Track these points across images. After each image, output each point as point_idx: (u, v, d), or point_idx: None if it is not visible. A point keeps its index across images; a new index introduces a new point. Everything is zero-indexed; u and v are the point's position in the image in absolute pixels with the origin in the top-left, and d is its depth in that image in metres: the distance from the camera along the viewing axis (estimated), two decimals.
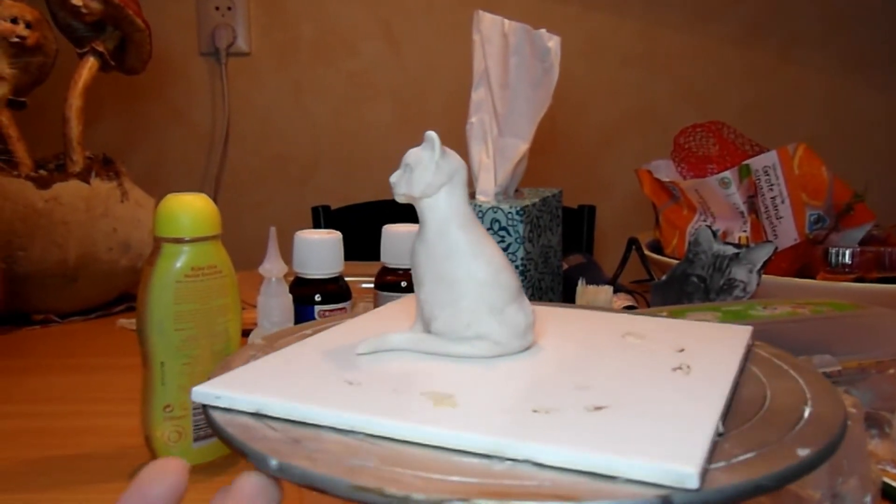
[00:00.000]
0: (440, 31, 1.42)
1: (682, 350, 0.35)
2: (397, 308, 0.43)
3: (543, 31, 0.69)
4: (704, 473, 0.23)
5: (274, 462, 0.24)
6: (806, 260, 0.77)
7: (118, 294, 0.87)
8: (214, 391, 0.29)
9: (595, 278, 0.74)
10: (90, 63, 0.85)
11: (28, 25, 0.82)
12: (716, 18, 1.42)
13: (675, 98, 1.44)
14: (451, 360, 0.34)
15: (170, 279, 0.44)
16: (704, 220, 0.83)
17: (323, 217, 1.26)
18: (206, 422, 0.29)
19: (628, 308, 0.70)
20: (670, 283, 0.68)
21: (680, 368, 0.32)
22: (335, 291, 0.57)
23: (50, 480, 0.45)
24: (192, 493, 0.43)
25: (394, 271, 0.60)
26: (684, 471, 0.22)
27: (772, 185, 0.80)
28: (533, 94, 0.69)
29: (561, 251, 0.78)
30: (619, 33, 1.42)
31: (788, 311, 0.55)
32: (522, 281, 0.61)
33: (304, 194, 1.45)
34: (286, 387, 0.30)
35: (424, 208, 0.35)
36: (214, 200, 0.46)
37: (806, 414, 0.28)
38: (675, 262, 0.71)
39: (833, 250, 0.75)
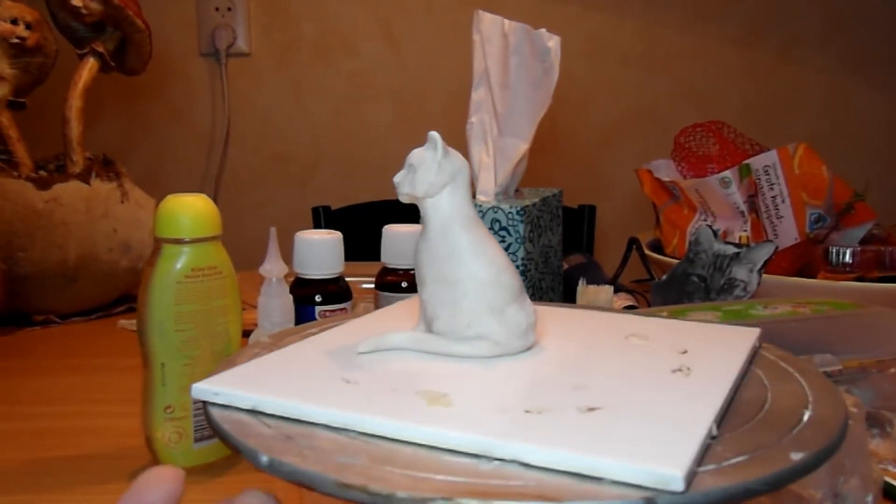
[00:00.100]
0: (440, 31, 1.42)
1: (684, 352, 0.35)
2: (403, 308, 0.43)
3: (543, 30, 0.69)
4: (692, 476, 0.23)
5: (264, 458, 0.25)
6: (806, 259, 0.77)
7: (119, 295, 0.87)
8: (213, 388, 0.30)
9: (595, 278, 0.74)
10: (90, 64, 0.85)
11: (28, 26, 0.82)
12: (716, 18, 1.42)
13: (675, 98, 1.44)
14: (452, 360, 0.34)
15: (170, 280, 0.44)
16: (705, 220, 0.83)
17: (323, 217, 1.26)
18: (205, 418, 0.30)
19: (629, 308, 0.70)
20: (671, 282, 0.68)
21: (680, 370, 0.32)
22: (336, 292, 0.57)
23: (51, 481, 0.45)
24: (193, 493, 0.43)
25: (394, 271, 0.60)
26: (669, 473, 0.22)
27: (772, 184, 0.80)
28: (533, 94, 0.69)
29: (561, 251, 0.78)
30: (620, 33, 1.42)
31: (789, 311, 0.55)
32: (523, 281, 0.61)
33: (304, 194, 1.45)
34: (283, 384, 0.30)
35: (427, 208, 0.35)
36: (215, 201, 0.46)
37: (805, 417, 0.28)
38: (676, 261, 0.71)
39: (833, 249, 0.75)
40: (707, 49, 1.42)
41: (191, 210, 0.44)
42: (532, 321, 0.35)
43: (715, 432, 0.26)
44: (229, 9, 1.41)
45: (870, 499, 0.37)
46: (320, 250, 0.57)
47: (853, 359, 0.52)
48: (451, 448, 0.25)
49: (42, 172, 0.82)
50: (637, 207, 1.36)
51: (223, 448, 0.44)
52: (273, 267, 0.50)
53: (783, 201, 0.79)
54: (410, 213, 0.69)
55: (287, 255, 0.53)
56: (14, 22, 0.80)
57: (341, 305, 0.57)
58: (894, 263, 0.73)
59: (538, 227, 0.68)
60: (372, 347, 0.35)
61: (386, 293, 0.60)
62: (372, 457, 0.25)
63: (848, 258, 0.74)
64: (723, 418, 0.28)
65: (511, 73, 0.70)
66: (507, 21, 0.71)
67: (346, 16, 1.43)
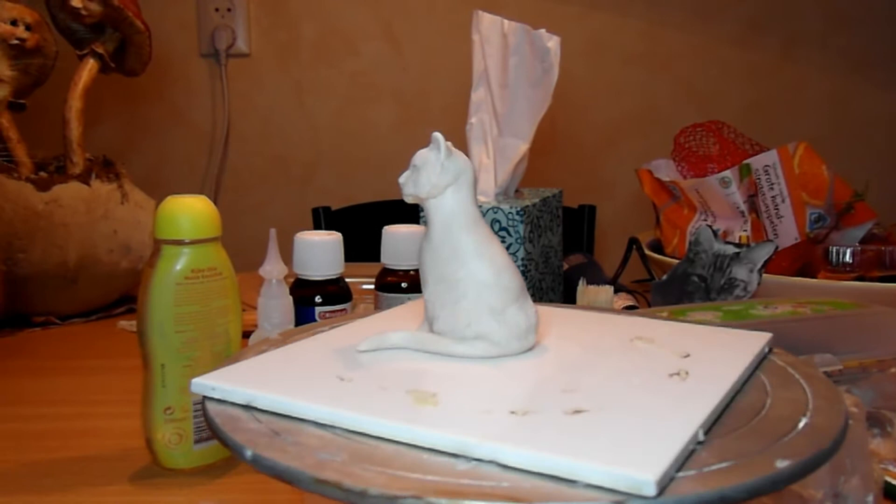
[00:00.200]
0: (441, 31, 1.42)
1: (686, 356, 0.35)
2: (412, 308, 0.43)
3: (543, 31, 0.69)
4: (668, 481, 0.23)
5: (248, 452, 0.26)
6: (807, 259, 0.77)
7: (119, 296, 0.87)
8: (211, 383, 0.31)
9: (596, 278, 0.74)
10: (90, 65, 0.85)
11: (28, 27, 0.82)
12: (717, 18, 1.42)
13: (676, 98, 1.44)
14: (450, 360, 0.34)
15: (170, 281, 0.44)
16: (705, 220, 0.83)
17: (323, 218, 1.26)
18: (202, 412, 0.31)
19: (629, 308, 0.70)
20: (671, 282, 0.68)
21: (678, 374, 0.32)
22: (336, 293, 0.57)
23: (51, 483, 0.45)
24: (194, 495, 0.43)
25: (394, 272, 0.60)
26: (641, 478, 0.22)
27: (772, 184, 0.80)
28: (532, 94, 0.69)
29: (561, 251, 0.78)
30: (621, 33, 1.42)
31: (789, 311, 0.55)
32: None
33: (304, 195, 1.45)
34: (279, 381, 0.31)
35: (430, 208, 0.35)
36: (215, 201, 0.46)
37: (800, 425, 0.27)
38: (676, 261, 0.71)
39: (834, 249, 0.75)
40: (708, 49, 1.42)
41: (190, 211, 0.44)
42: (533, 323, 0.35)
43: (702, 438, 0.26)
44: (229, 9, 1.41)
45: (870, 499, 0.37)
46: (320, 251, 0.57)
47: (854, 358, 0.52)
48: (430, 447, 0.26)
49: (42, 174, 0.82)
50: (637, 207, 1.36)
51: (223, 449, 0.44)
52: (273, 268, 0.50)
53: (783, 201, 0.79)
54: (410, 214, 0.69)
55: (287, 255, 0.53)
56: (14, 23, 0.81)
57: (341, 306, 0.57)
58: (894, 263, 0.73)
59: (538, 228, 0.68)
60: (372, 346, 0.35)
61: (386, 294, 0.60)
62: (352, 454, 0.25)
63: (848, 258, 0.74)
64: (714, 424, 0.28)
65: (511, 74, 0.70)
66: (506, 21, 0.71)
67: (347, 16, 1.43)
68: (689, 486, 0.23)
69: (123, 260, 0.83)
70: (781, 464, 0.24)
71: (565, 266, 0.82)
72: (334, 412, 0.28)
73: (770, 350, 0.37)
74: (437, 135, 0.35)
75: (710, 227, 0.67)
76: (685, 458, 0.24)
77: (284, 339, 0.38)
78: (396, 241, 0.60)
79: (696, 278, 0.66)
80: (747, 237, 0.79)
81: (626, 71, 1.43)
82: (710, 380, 0.31)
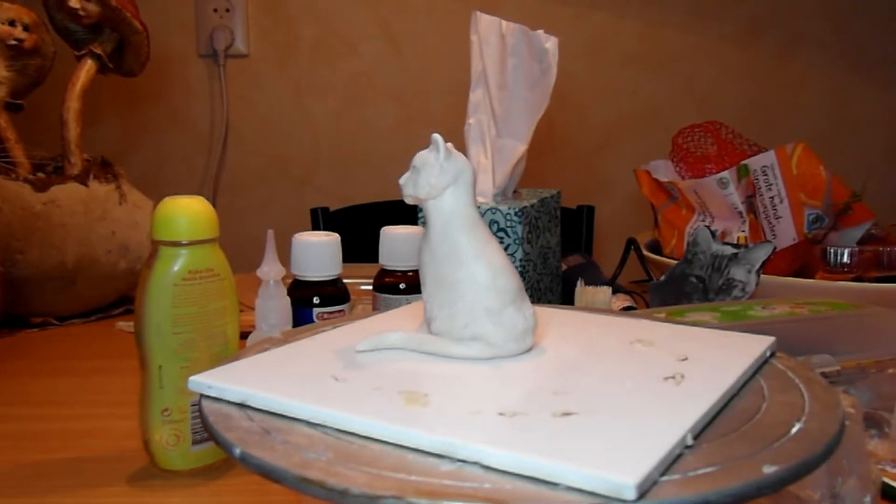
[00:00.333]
0: (441, 31, 1.42)
1: (684, 359, 0.34)
2: (416, 308, 0.43)
3: (541, 32, 0.69)
4: (650, 485, 0.23)
5: (238, 450, 0.26)
6: (805, 260, 0.77)
7: (117, 296, 0.87)
8: (207, 381, 0.31)
9: (594, 279, 0.74)
10: (88, 65, 0.85)
11: (25, 28, 0.81)
12: (715, 18, 1.42)
13: (674, 98, 1.44)
14: (447, 361, 0.34)
15: (167, 282, 0.43)
16: (703, 221, 0.83)
17: (322, 218, 1.25)
18: (198, 411, 0.31)
19: (627, 308, 0.70)
20: (669, 283, 0.68)
21: (672, 378, 0.32)
22: (334, 294, 0.57)
23: (48, 484, 0.45)
24: (191, 497, 0.43)
25: (392, 273, 0.60)
26: (621, 481, 0.22)
27: (770, 184, 0.80)
28: (530, 95, 0.69)
29: (560, 252, 0.78)
30: (619, 33, 1.42)
31: (787, 311, 0.55)
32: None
33: (303, 195, 1.45)
34: (274, 380, 0.31)
35: (430, 209, 0.36)
36: (213, 202, 0.46)
37: (793, 430, 0.27)
38: (674, 262, 0.71)
39: (832, 250, 0.75)
40: (707, 48, 1.42)
41: (188, 212, 0.44)
42: (530, 324, 0.35)
43: (690, 442, 0.26)
44: (228, 10, 1.41)
45: (868, 499, 0.37)
46: (318, 252, 0.57)
47: (851, 359, 0.52)
48: (416, 447, 0.26)
49: (40, 174, 0.82)
50: (636, 208, 1.36)
51: (221, 450, 0.44)
52: (270, 269, 0.50)
53: (781, 202, 0.79)
54: (409, 214, 0.69)
55: (286, 256, 0.53)
56: (11, 24, 0.80)
57: (339, 307, 0.57)
58: (892, 263, 0.73)
59: (536, 229, 0.68)
60: (370, 346, 0.36)
61: (384, 295, 0.60)
62: (339, 453, 0.26)
63: (846, 258, 0.74)
64: (705, 428, 0.27)
65: (509, 75, 0.70)
66: (504, 22, 0.71)
67: (346, 16, 1.43)
68: (671, 491, 0.23)
69: (121, 261, 0.83)
70: (768, 469, 0.24)
71: (564, 267, 0.82)
72: (323, 411, 0.28)
73: (772, 354, 0.37)
74: (437, 136, 0.35)
75: (708, 227, 0.68)
76: (671, 463, 0.24)
77: (286, 339, 0.38)
78: (394, 241, 0.60)
79: (694, 279, 0.66)
80: (745, 238, 0.79)
81: (624, 71, 1.43)
82: (705, 384, 0.31)
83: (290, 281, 0.57)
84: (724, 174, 0.79)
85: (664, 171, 0.90)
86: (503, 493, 0.23)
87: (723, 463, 0.24)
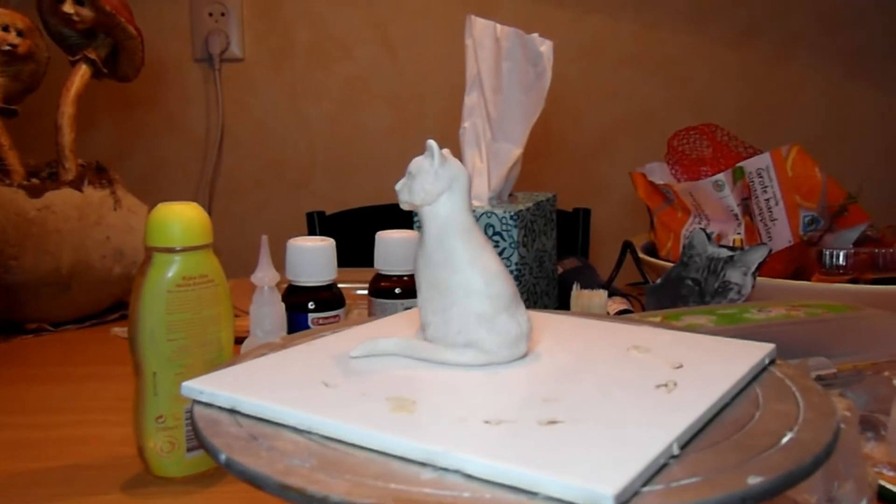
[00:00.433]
0: (436, 34, 1.42)
1: (679, 366, 0.34)
2: (415, 314, 0.43)
3: (536, 35, 0.69)
4: (630, 495, 0.23)
5: (223, 456, 0.26)
6: (800, 262, 0.77)
7: (112, 302, 0.87)
8: (199, 387, 0.31)
9: (590, 282, 0.74)
10: (82, 71, 0.84)
11: (19, 33, 0.81)
12: (711, 20, 1.42)
13: (670, 100, 1.44)
14: (440, 367, 0.34)
15: (161, 289, 0.43)
16: (699, 223, 0.83)
17: (318, 222, 1.25)
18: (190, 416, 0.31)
19: (623, 311, 0.70)
20: (665, 286, 0.68)
21: (665, 386, 0.31)
22: (329, 299, 0.57)
23: (43, 492, 0.44)
24: (186, 503, 0.43)
25: (387, 278, 0.60)
26: (600, 491, 0.22)
27: (765, 186, 0.80)
28: (525, 98, 0.69)
29: (556, 255, 0.78)
30: (615, 36, 1.42)
31: (783, 314, 0.55)
32: (517, 286, 0.60)
33: (299, 199, 1.45)
34: (265, 386, 0.31)
35: (425, 215, 0.36)
36: (209, 206, 0.46)
37: (784, 440, 0.27)
38: (670, 265, 0.71)
39: (827, 252, 0.75)
40: (702, 50, 1.43)
41: (182, 218, 0.44)
42: (524, 331, 0.35)
43: (676, 451, 0.25)
44: (223, 14, 1.41)
45: (864, 503, 0.37)
46: (313, 257, 0.56)
47: (848, 361, 0.52)
48: (399, 455, 0.26)
49: (34, 180, 0.82)
50: (632, 210, 1.36)
51: None
52: (265, 275, 0.50)
53: (776, 204, 0.79)
54: (405, 219, 0.69)
55: (281, 261, 0.53)
56: (5, 29, 0.80)
57: (334, 312, 0.57)
58: (888, 265, 0.73)
59: (532, 232, 0.68)
60: (364, 353, 0.36)
61: (379, 300, 0.60)
62: (323, 460, 0.26)
63: (842, 260, 0.74)
64: (694, 437, 0.27)
65: (504, 78, 0.70)
66: (499, 26, 0.71)
67: (341, 20, 1.43)
68: (652, 501, 0.22)
69: (116, 266, 0.83)
70: (753, 480, 0.23)
71: (560, 270, 0.82)
72: (309, 418, 0.28)
73: (772, 361, 0.37)
74: (431, 142, 0.35)
75: (703, 230, 0.68)
76: (655, 473, 0.24)
77: (285, 344, 0.38)
78: (389, 246, 0.60)
79: (690, 282, 0.66)
80: (741, 240, 0.79)
81: (620, 74, 1.43)
82: (697, 392, 0.30)
83: (285, 286, 0.56)
84: (720, 176, 0.79)
85: (660, 173, 0.90)
86: (482, 503, 0.23)
87: (708, 473, 0.24)
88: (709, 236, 0.67)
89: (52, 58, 0.86)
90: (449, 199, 0.35)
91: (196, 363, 0.44)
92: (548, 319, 0.42)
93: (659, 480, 0.24)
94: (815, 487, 0.37)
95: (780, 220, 0.79)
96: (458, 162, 0.36)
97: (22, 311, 0.80)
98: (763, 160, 0.80)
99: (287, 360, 0.35)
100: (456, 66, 0.77)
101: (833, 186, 0.81)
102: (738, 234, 0.79)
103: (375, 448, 0.26)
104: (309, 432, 0.28)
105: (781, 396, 0.32)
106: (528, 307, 0.37)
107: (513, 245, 0.64)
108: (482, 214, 0.65)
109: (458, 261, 0.35)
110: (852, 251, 0.75)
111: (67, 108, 0.83)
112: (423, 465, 0.25)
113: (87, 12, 0.82)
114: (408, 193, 0.36)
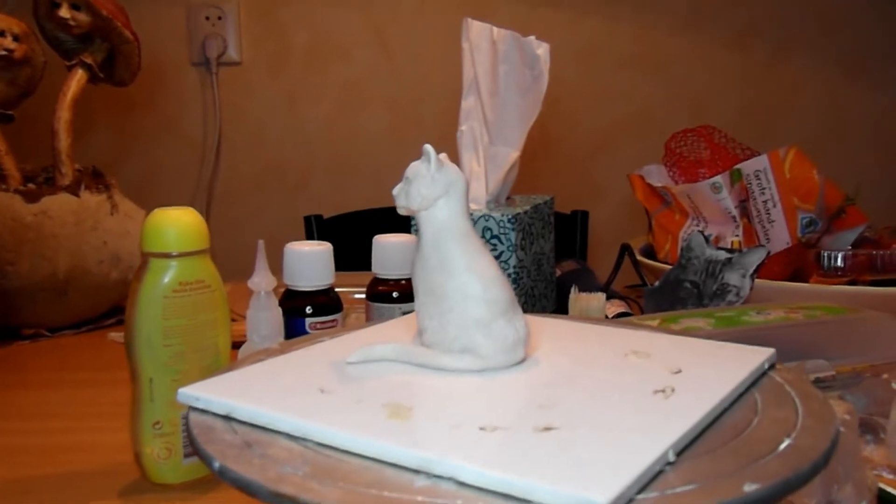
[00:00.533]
0: (434, 37, 1.42)
1: (678, 372, 0.34)
2: (414, 319, 0.43)
3: (532, 38, 0.69)
4: (626, 503, 0.22)
5: (216, 464, 0.26)
6: (798, 264, 0.77)
7: (109, 307, 0.86)
8: (195, 393, 0.31)
9: (589, 284, 0.74)
10: (79, 75, 0.84)
11: (16, 38, 0.81)
12: (709, 22, 1.42)
13: (668, 102, 1.44)
14: (437, 373, 0.34)
15: (157, 294, 0.43)
16: (697, 225, 0.83)
17: (315, 226, 1.25)
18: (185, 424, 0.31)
19: (622, 314, 0.70)
20: (663, 288, 0.68)
21: (662, 391, 0.31)
22: (326, 303, 0.57)
23: (39, 499, 0.44)
24: None
25: (385, 282, 0.60)
26: (594, 499, 0.22)
27: (763, 188, 0.80)
28: (522, 101, 0.69)
29: (554, 258, 0.78)
30: (612, 38, 1.42)
31: (782, 316, 0.54)
32: (515, 289, 0.60)
33: (297, 203, 1.45)
34: (261, 392, 0.31)
35: (422, 220, 0.36)
36: (207, 210, 0.46)
37: (782, 447, 0.26)
38: (668, 267, 0.71)
39: (825, 254, 0.75)
40: (700, 52, 1.43)
41: (178, 224, 0.44)
42: (521, 336, 0.35)
43: (672, 458, 0.25)
44: (220, 18, 1.41)
45: None
46: (310, 262, 0.56)
47: (846, 364, 0.52)
48: (393, 462, 0.26)
49: (31, 185, 0.81)
50: (630, 212, 1.36)
51: None
52: (261, 280, 0.49)
53: (774, 206, 0.79)
54: (403, 222, 0.69)
55: (279, 265, 0.53)
56: (1, 34, 0.80)
57: (332, 317, 0.57)
58: (886, 267, 0.73)
59: (530, 235, 0.68)
60: (361, 358, 0.35)
61: (377, 304, 0.60)
62: (317, 467, 0.26)
63: (840, 262, 0.74)
64: (691, 443, 0.27)
65: (500, 81, 0.70)
66: (496, 29, 0.70)
67: (339, 23, 1.43)
68: None
69: (113, 271, 0.83)
70: (749, 488, 0.23)
71: (558, 272, 0.82)
72: (303, 424, 0.28)
73: (772, 366, 0.36)
74: (428, 147, 0.35)
75: (701, 232, 0.67)
76: (650, 480, 0.24)
77: (282, 350, 0.38)
78: (387, 250, 0.60)
79: (688, 284, 0.66)
80: (739, 242, 0.79)
81: (617, 76, 1.43)
82: (695, 398, 0.30)
83: (282, 290, 0.56)
84: (718, 179, 0.79)
85: (658, 175, 0.90)
86: None
87: (704, 480, 0.24)
88: (707, 238, 0.67)
89: (48, 62, 0.85)
90: (446, 204, 0.35)
91: (192, 369, 0.44)
92: (546, 324, 0.42)
93: (654, 488, 0.23)
94: (814, 491, 0.37)
95: (778, 222, 0.79)
96: (455, 167, 0.36)
97: (18, 316, 0.79)
98: (761, 162, 0.80)
99: (284, 365, 0.35)
100: (453, 68, 0.77)
101: (831, 188, 0.81)
102: (737, 236, 0.79)
103: (370, 455, 0.26)
104: (304, 439, 0.28)
105: (780, 402, 0.31)
106: (526, 310, 0.37)
107: (511, 248, 0.64)
108: (480, 218, 0.65)
109: (455, 266, 0.34)
110: (850, 253, 0.75)
111: (64, 113, 0.83)
112: (416, 472, 0.25)
113: (83, 17, 0.82)
114: (405, 198, 0.36)
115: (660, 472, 0.24)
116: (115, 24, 0.83)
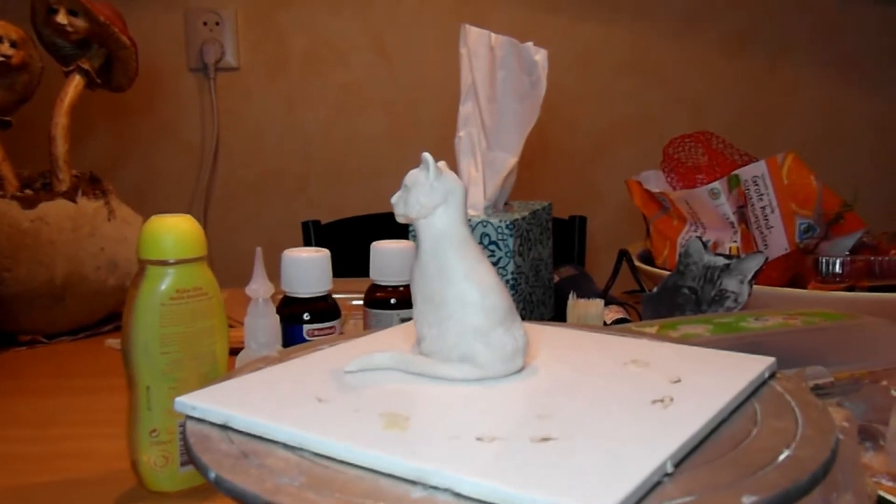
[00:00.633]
0: (432, 42, 1.42)
1: (677, 381, 0.34)
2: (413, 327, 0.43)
3: (530, 44, 0.69)
4: None
5: (213, 474, 0.26)
6: (797, 270, 0.77)
7: (106, 313, 0.86)
8: (192, 402, 0.31)
9: (587, 290, 0.74)
10: (76, 81, 0.84)
11: (13, 44, 0.81)
12: (706, 27, 1.42)
13: (666, 107, 1.44)
14: (436, 382, 0.34)
15: (154, 302, 0.43)
16: (695, 231, 0.83)
17: (313, 231, 1.25)
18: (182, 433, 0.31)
19: (620, 320, 0.70)
20: (662, 294, 0.68)
21: (661, 401, 0.31)
22: (324, 310, 0.57)
23: None
24: None
25: (383, 288, 0.60)
26: None
27: (761, 194, 0.80)
28: (520, 107, 0.69)
29: (552, 264, 0.78)
30: (610, 43, 1.43)
31: (780, 323, 0.54)
32: (513, 295, 0.60)
33: (295, 208, 1.45)
34: (258, 401, 0.31)
35: (420, 228, 0.36)
36: (204, 216, 0.46)
37: (781, 458, 0.26)
38: (667, 273, 0.71)
39: (823, 260, 0.75)
40: (698, 57, 1.43)
41: (175, 231, 0.44)
42: (520, 345, 0.35)
43: (670, 469, 0.25)
44: (217, 23, 1.41)
45: None
46: (308, 269, 0.56)
47: (845, 370, 0.52)
48: (390, 473, 0.25)
49: (28, 191, 0.81)
50: (629, 218, 1.36)
51: None
52: (259, 287, 0.49)
53: (772, 211, 0.79)
54: (401, 228, 0.69)
55: (277, 271, 0.53)
56: None
57: (330, 324, 0.57)
58: (885, 272, 0.73)
59: (528, 241, 0.68)
60: (359, 367, 0.35)
61: (375, 310, 0.60)
62: (313, 478, 0.25)
63: (838, 268, 0.74)
64: (690, 454, 0.27)
65: (498, 87, 0.70)
66: (493, 35, 0.70)
67: (337, 28, 1.43)
68: None
69: (111, 277, 0.83)
70: (748, 499, 0.23)
71: (556, 278, 0.82)
72: (300, 434, 0.28)
73: (772, 375, 0.36)
74: (427, 156, 0.35)
75: (699, 238, 0.67)
76: (648, 491, 0.24)
77: (281, 358, 0.38)
78: (385, 256, 0.60)
79: (686, 290, 0.66)
80: (737, 248, 0.79)
81: (615, 81, 1.44)
82: (693, 408, 0.30)
83: (280, 297, 0.56)
84: (715, 185, 0.79)
85: (655, 181, 0.90)
86: None
87: (702, 492, 0.24)
88: (705, 244, 0.67)
89: (45, 68, 0.85)
90: (445, 212, 0.35)
91: (190, 376, 0.44)
92: (545, 332, 0.42)
93: (652, 499, 0.23)
94: (813, 499, 0.36)
95: (776, 228, 0.79)
96: (454, 175, 0.36)
97: (15, 322, 0.79)
98: (759, 168, 0.80)
99: (281, 374, 0.35)
100: (451, 74, 0.77)
101: (829, 194, 0.81)
102: (735, 242, 0.79)
103: (366, 466, 0.26)
104: (300, 449, 0.28)
105: (780, 412, 0.31)
106: (524, 316, 0.37)
107: (509, 254, 0.64)
108: (478, 224, 0.65)
109: (454, 274, 0.34)
110: (848, 259, 0.75)
111: (61, 119, 0.83)
112: (413, 483, 0.25)
113: (80, 23, 0.82)
114: (403, 206, 0.36)
115: (658, 484, 0.24)
116: (112, 30, 0.83)
